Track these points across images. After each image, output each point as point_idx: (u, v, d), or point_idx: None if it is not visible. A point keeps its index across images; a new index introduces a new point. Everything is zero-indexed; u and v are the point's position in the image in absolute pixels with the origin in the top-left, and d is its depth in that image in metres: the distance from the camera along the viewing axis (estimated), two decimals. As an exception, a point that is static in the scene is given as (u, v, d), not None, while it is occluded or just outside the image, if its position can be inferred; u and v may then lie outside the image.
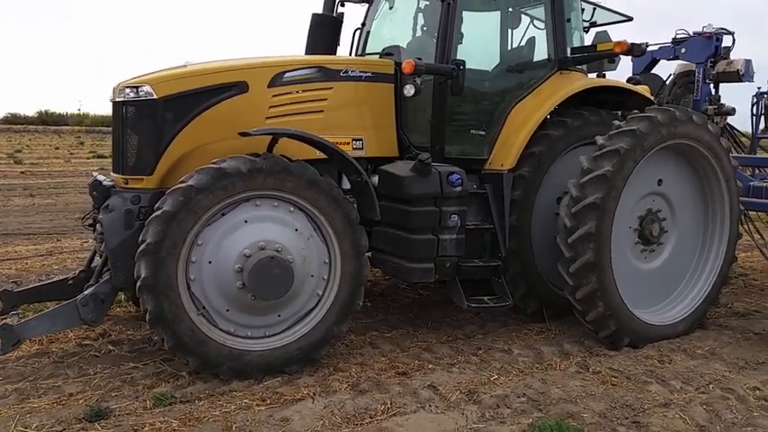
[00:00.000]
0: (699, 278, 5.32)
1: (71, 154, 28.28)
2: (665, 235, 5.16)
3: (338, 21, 5.74)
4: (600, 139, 4.71)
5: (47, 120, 63.16)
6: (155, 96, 4.07)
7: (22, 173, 18.64)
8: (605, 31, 5.77)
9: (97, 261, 4.45)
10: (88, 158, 25.66)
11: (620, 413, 3.74)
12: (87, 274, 4.45)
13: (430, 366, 4.35)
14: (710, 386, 4.16)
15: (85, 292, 3.92)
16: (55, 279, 4.66)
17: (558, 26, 5.24)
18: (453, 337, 5.02)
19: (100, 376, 4.00)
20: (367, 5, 5.85)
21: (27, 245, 8.08)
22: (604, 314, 4.66)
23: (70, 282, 4.49)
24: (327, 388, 3.93)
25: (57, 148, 32.43)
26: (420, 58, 4.54)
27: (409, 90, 4.54)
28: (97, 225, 4.15)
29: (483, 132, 5.11)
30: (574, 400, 3.88)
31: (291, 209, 4.06)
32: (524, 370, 4.34)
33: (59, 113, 67.87)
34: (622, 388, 4.09)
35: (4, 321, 3.90)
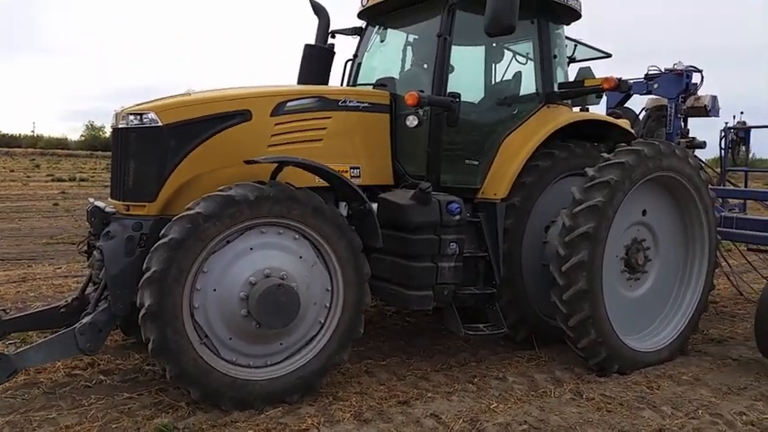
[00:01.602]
0: (680, 305, 5.51)
1: (28, 177, 27.45)
2: (649, 263, 5.34)
3: (330, 52, 5.84)
4: (590, 171, 4.87)
5: (-3, 141, 61.22)
6: (159, 123, 4.05)
7: (-22, 196, 18.03)
8: (588, 67, 6.01)
9: (92, 288, 4.34)
10: (47, 182, 24.95)
11: (618, 439, 3.83)
12: (81, 302, 4.32)
13: (429, 395, 4.35)
14: (699, 411, 4.29)
15: (83, 321, 3.80)
16: (47, 306, 4.50)
17: (545, 62, 5.44)
18: (447, 365, 5.04)
19: (95, 407, 3.87)
20: (358, 38, 5.96)
21: (-3, 271, 7.79)
22: (596, 341, 4.77)
23: (62, 310, 4.35)
24: (331, 418, 3.89)
25: (12, 171, 31.45)
26: (422, 91, 4.64)
27: (412, 121, 4.64)
28: (94, 252, 4.05)
29: (476, 162, 5.22)
30: (573, 427, 3.94)
31: (296, 236, 4.05)
32: (521, 398, 4.39)
33: (12, 135, 65.94)
34: (617, 414, 4.18)
35: None
